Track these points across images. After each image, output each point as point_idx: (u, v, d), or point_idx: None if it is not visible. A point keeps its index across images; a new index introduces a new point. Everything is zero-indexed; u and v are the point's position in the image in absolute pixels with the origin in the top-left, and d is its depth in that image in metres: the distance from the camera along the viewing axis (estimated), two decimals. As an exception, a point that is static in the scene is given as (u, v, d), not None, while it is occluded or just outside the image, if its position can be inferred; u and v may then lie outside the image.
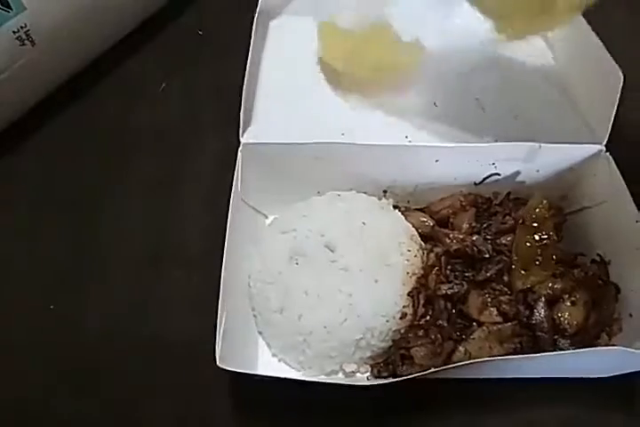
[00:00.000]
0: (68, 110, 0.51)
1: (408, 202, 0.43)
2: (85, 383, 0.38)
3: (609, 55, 0.40)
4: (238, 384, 0.36)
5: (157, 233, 0.44)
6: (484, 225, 0.39)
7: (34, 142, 0.49)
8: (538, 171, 0.41)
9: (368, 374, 0.36)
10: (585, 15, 0.42)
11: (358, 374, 0.36)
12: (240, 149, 0.40)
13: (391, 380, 0.31)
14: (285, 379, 0.33)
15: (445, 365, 0.33)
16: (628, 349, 0.31)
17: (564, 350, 0.34)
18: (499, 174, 0.42)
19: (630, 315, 0.35)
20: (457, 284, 0.35)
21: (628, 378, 0.34)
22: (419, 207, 0.43)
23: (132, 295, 0.41)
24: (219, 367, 0.31)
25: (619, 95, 0.38)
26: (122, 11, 0.52)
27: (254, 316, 0.38)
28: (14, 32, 0.44)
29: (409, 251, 0.37)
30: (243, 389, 0.36)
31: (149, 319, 0.40)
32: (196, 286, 0.41)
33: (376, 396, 0.34)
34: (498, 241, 0.38)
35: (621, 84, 0.38)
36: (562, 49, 0.48)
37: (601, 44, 0.41)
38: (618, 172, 0.39)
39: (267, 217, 0.43)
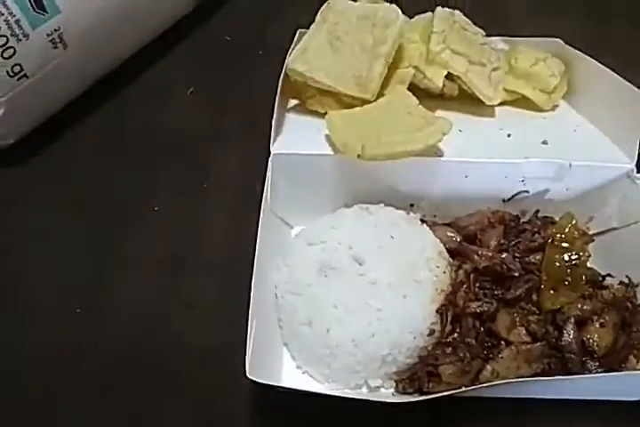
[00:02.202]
0: (98, 112, 0.51)
1: (435, 216, 0.43)
2: (110, 384, 0.38)
3: (623, 80, 0.41)
4: (260, 393, 0.36)
5: (182, 237, 0.44)
6: (512, 243, 0.39)
7: (62, 143, 0.49)
8: (567, 189, 0.42)
9: (392, 389, 0.36)
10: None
11: (382, 390, 0.36)
12: (270, 158, 0.40)
13: (421, 398, 0.31)
14: (309, 392, 0.33)
15: (472, 383, 0.32)
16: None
17: (592, 371, 0.34)
18: (527, 192, 0.42)
19: (659, 338, 0.35)
20: (486, 302, 0.35)
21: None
22: (445, 222, 0.43)
23: (157, 299, 0.41)
24: (241, 374, 0.31)
25: None
26: (151, 15, 0.53)
27: (280, 327, 0.38)
28: (48, 35, 0.44)
29: (437, 267, 0.37)
30: (264, 398, 0.36)
31: (173, 323, 0.40)
32: (219, 292, 0.41)
33: (401, 412, 0.34)
34: (526, 259, 0.38)
35: None
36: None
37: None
38: (648, 193, 0.39)
39: (292, 228, 0.43)
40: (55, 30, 0.44)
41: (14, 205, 0.46)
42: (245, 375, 0.31)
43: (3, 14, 0.41)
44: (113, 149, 0.49)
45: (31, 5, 0.42)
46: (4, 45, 0.42)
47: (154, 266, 0.43)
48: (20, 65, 0.43)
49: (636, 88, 0.41)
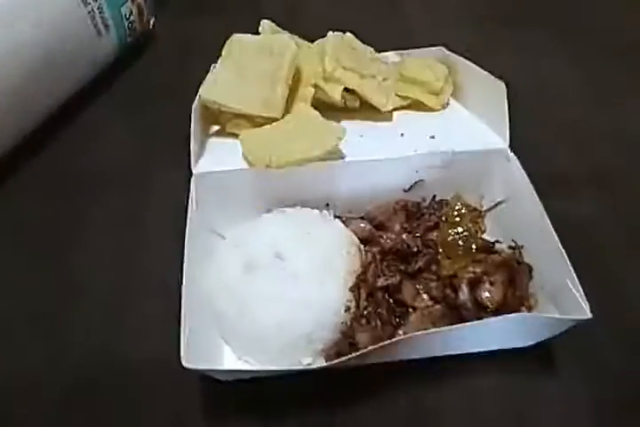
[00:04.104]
0: (35, 156, 0.55)
1: (349, 211, 0.48)
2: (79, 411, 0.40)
3: (486, 72, 0.49)
4: (207, 388, 0.40)
5: (127, 263, 0.48)
6: (414, 225, 0.45)
7: (3, 192, 0.53)
8: (455, 174, 0.47)
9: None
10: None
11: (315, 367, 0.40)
12: (192, 178, 0.46)
13: (335, 361, 0.35)
14: (243, 371, 0.38)
15: (388, 348, 0.37)
16: (539, 313, 0.36)
17: (488, 325, 0.39)
18: (423, 180, 0.48)
19: (542, 288, 0.41)
20: (391, 276, 0.41)
21: (546, 347, 0.39)
22: (358, 216, 0.48)
23: (108, 323, 0.45)
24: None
25: (505, 101, 0.46)
26: (75, 65, 0.58)
27: (217, 323, 0.42)
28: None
29: (348, 253, 0.42)
30: (211, 391, 0.40)
31: (125, 342, 0.44)
32: (167, 308, 0.45)
33: (328, 383, 0.39)
34: (426, 237, 0.44)
35: (504, 90, 0.46)
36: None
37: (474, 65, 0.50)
38: (522, 169, 0.45)
39: (224, 238, 0.48)
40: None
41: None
42: (182, 367, 0.34)
43: None
44: (52, 190, 0.53)
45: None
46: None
47: (101, 292, 0.46)
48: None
49: (496, 78, 0.48)
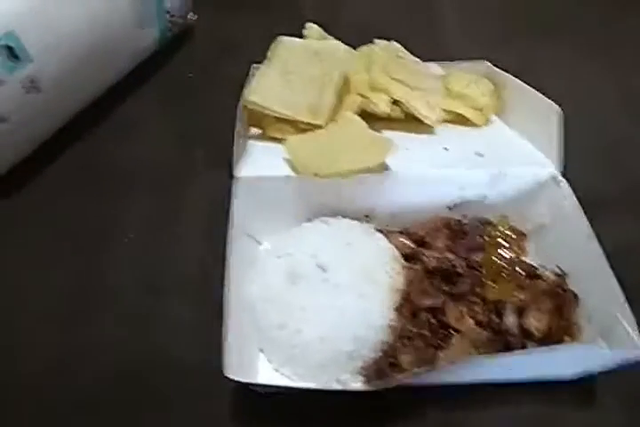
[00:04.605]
0: (71, 150, 0.54)
1: (387, 225, 0.48)
2: (100, 413, 0.40)
3: (541, 95, 0.48)
4: (241, 398, 0.39)
5: (158, 263, 0.47)
6: (457, 244, 0.44)
7: (39, 181, 0.52)
8: (502, 194, 0.47)
9: (360, 383, 0.40)
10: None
11: (352, 384, 0.40)
12: (234, 182, 0.45)
13: (381, 384, 0.35)
14: (285, 387, 0.37)
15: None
16: (587, 345, 0.35)
17: (532, 352, 0.38)
18: (467, 198, 0.47)
19: (589, 320, 0.40)
20: (437, 297, 0.40)
21: (589, 380, 0.39)
22: (398, 230, 0.47)
23: (137, 321, 0.44)
24: (222, 383, 0.34)
25: (561, 125, 0.45)
26: (115, 57, 0.57)
27: (256, 333, 0.41)
28: (21, 81, 0.48)
29: (392, 269, 0.42)
30: (245, 401, 0.39)
31: (153, 343, 0.43)
32: (197, 312, 0.44)
33: (370, 403, 0.38)
34: (470, 258, 0.43)
35: (560, 116, 0.45)
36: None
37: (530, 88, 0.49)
38: (572, 192, 0.44)
39: (261, 244, 0.47)
40: (28, 77, 0.48)
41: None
42: (224, 377, 0.34)
43: (-21, 63, 0.45)
44: (87, 184, 0.52)
45: (5, 54, 0.46)
46: (-20, 93, 0.45)
47: (136, 292, 0.45)
48: (-5, 109, 0.47)
49: (551, 101, 0.47)
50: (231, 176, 0.46)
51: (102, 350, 0.42)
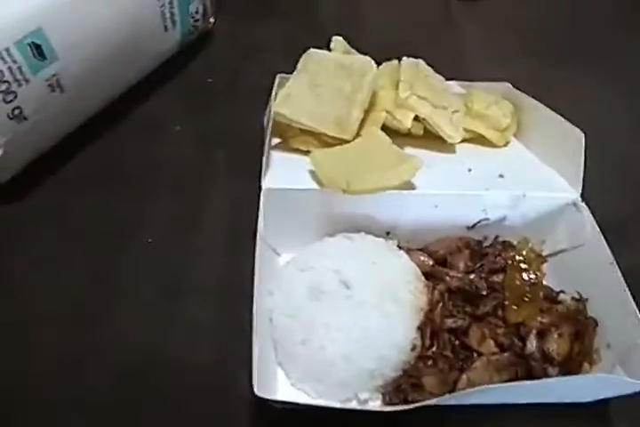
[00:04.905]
0: (90, 147, 0.54)
1: (407, 242, 0.48)
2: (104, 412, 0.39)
3: (563, 119, 0.48)
4: (257, 412, 0.39)
5: (174, 266, 0.47)
6: (478, 265, 0.44)
7: (57, 177, 0.52)
8: (522, 216, 0.47)
9: (379, 401, 0.40)
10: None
11: (371, 402, 0.40)
12: (262, 192, 0.44)
13: (409, 406, 0.35)
14: (307, 405, 0.36)
15: (451, 392, 0.36)
16: (609, 375, 0.36)
17: (552, 376, 0.38)
18: (488, 219, 0.47)
19: (608, 346, 0.40)
20: (460, 318, 0.40)
21: (604, 403, 0.39)
22: (418, 248, 0.47)
23: (155, 327, 0.43)
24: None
25: (583, 151, 0.46)
26: (137, 57, 0.56)
27: (275, 348, 0.41)
28: (46, 80, 0.47)
29: (416, 288, 0.42)
30: (262, 417, 0.39)
31: (170, 349, 0.42)
32: (215, 319, 0.44)
33: (389, 421, 0.38)
34: (490, 279, 0.43)
35: (583, 140, 0.45)
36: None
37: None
38: (592, 218, 0.45)
39: (280, 255, 0.47)
40: (53, 75, 0.47)
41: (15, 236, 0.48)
42: (253, 393, 0.33)
43: (6, 62, 0.44)
44: (106, 184, 0.52)
45: (32, 53, 0.45)
46: (6, 90, 0.45)
47: (151, 294, 0.45)
48: (19, 108, 0.46)
49: (574, 126, 0.47)
50: (255, 186, 0.45)
51: (106, 351, 0.42)
